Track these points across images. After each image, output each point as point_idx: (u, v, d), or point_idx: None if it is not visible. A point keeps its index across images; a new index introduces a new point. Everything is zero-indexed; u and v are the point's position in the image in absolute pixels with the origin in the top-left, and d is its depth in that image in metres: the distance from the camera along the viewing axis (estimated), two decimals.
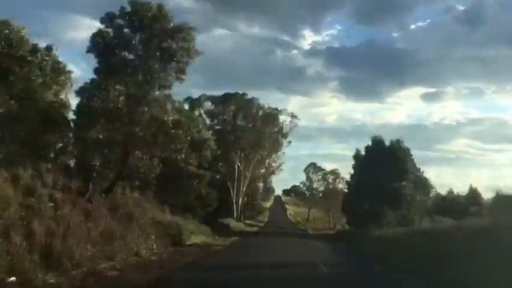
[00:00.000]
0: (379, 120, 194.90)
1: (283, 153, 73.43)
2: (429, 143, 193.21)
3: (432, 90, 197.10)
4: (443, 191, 55.19)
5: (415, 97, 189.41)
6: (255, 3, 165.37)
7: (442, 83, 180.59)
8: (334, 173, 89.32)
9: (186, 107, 63.82)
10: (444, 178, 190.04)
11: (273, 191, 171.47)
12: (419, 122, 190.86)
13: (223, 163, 66.15)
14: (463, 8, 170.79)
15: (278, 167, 75.25)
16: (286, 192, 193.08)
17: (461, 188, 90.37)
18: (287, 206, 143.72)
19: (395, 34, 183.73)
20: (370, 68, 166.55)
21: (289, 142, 74.98)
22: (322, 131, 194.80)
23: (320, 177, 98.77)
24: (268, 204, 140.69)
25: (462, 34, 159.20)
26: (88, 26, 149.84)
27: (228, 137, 62.09)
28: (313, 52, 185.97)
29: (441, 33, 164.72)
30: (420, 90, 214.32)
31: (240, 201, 65.18)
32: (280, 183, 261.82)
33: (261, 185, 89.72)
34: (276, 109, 66.18)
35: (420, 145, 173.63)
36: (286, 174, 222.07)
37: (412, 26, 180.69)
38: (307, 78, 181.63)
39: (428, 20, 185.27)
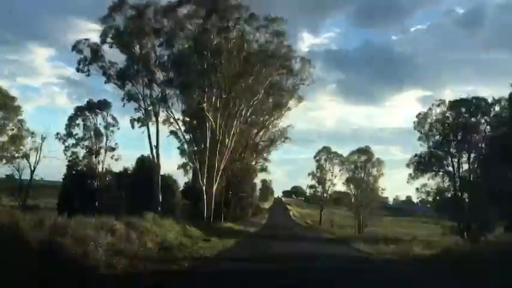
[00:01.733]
0: (377, 123, 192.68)
1: (289, 108, 42.82)
2: None
3: (429, 93, 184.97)
4: None
5: (413, 100, 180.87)
6: (252, 5, 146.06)
7: (439, 86, 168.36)
8: (366, 151, 57.77)
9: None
10: None
11: (272, 192, 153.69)
12: None
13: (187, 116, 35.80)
14: (462, 11, 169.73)
15: (283, 131, 44.44)
16: (286, 193, 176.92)
17: None
18: (289, 207, 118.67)
19: (394, 37, 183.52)
20: (368, 71, 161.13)
21: (300, 99, 44.82)
22: (320, 134, 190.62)
23: (337, 162, 67.86)
24: (267, 205, 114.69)
25: (461, 37, 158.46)
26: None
27: (194, 63, 31.65)
28: (311, 55, 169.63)
29: (440, 37, 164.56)
30: (418, 93, 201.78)
31: (214, 187, 34.30)
32: (278, 186, 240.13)
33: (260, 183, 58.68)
34: (282, 19, 35.09)
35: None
36: (285, 177, 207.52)
37: (412, 29, 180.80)
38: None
39: (428, 23, 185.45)
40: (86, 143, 44.44)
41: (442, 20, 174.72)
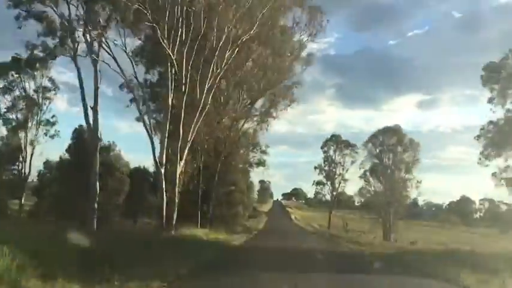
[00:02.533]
0: (375, 127, 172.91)
1: (298, 58, 29.87)
2: (424, 150, 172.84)
3: (428, 97, 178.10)
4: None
5: (411, 104, 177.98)
6: None
7: (438, 90, 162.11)
8: (394, 131, 43.74)
9: None
10: (439, 185, 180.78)
11: (271, 194, 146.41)
12: (415, 129, 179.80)
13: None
14: (460, 15, 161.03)
15: (288, 89, 31.37)
16: (286, 196, 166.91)
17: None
18: (290, 210, 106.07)
19: (392, 42, 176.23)
20: (366, 76, 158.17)
21: (308, 61, 32.59)
22: (319, 138, 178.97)
23: (348, 153, 54.70)
24: (265, 207, 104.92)
25: (459, 41, 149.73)
26: None
27: None
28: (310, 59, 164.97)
29: (438, 41, 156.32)
30: (416, 97, 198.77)
31: (178, 170, 20.93)
32: (277, 190, 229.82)
33: (258, 183, 45.04)
34: None
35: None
36: (284, 181, 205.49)
37: (410, 33, 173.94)
38: (304, 85, 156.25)
39: (426, 28, 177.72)
40: (12, 115, 31.41)
41: (439, 24, 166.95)
